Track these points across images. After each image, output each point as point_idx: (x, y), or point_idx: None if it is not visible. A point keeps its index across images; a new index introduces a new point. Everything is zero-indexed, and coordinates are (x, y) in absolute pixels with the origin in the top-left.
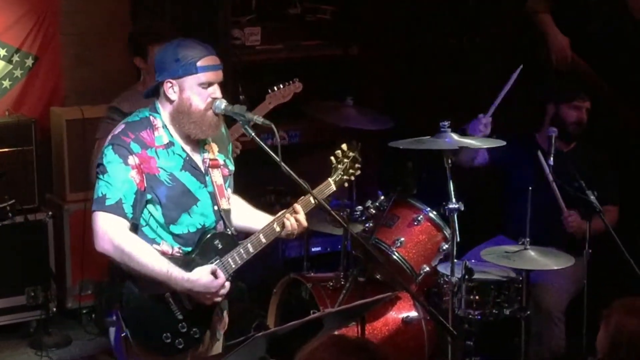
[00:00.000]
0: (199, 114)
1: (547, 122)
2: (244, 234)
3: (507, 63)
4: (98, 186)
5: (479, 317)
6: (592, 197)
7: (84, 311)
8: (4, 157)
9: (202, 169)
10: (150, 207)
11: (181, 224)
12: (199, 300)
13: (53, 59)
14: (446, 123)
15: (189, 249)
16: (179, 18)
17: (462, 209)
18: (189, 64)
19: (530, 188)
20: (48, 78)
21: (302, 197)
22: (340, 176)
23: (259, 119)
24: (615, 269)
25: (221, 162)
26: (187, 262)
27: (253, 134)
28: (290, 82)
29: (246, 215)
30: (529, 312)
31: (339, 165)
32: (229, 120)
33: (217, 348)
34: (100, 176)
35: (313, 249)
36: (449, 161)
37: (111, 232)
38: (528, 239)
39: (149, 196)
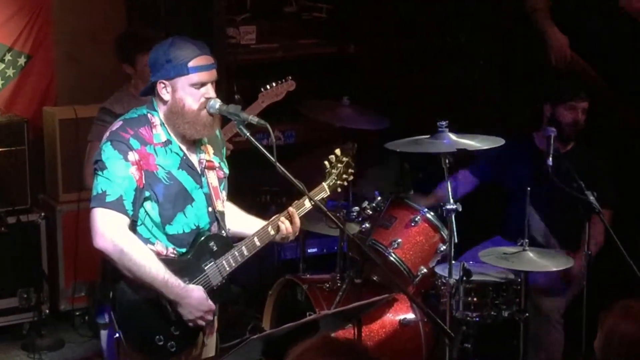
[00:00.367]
0: (192, 114)
1: (545, 123)
2: (237, 240)
3: (504, 62)
4: (97, 182)
5: (477, 319)
6: (592, 198)
7: (77, 313)
8: None
9: (199, 169)
10: (147, 205)
11: (176, 224)
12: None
13: (46, 58)
14: (444, 123)
15: (184, 250)
16: (174, 16)
17: (460, 209)
18: (180, 64)
19: (528, 189)
20: (41, 77)
21: (297, 200)
22: (334, 181)
23: (254, 118)
24: (615, 271)
25: (217, 164)
26: (182, 263)
27: (248, 133)
28: (284, 80)
29: (237, 220)
30: (527, 314)
31: (333, 170)
32: (222, 121)
33: (208, 352)
34: (99, 172)
35: (309, 251)
36: (447, 162)
37: (111, 229)
38: (527, 240)
39: (147, 193)
